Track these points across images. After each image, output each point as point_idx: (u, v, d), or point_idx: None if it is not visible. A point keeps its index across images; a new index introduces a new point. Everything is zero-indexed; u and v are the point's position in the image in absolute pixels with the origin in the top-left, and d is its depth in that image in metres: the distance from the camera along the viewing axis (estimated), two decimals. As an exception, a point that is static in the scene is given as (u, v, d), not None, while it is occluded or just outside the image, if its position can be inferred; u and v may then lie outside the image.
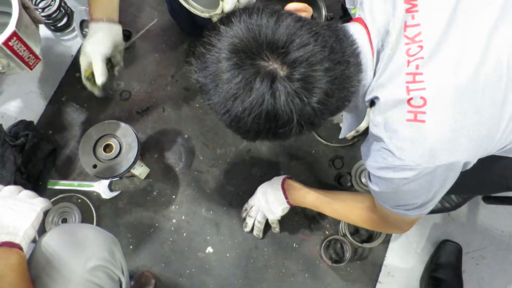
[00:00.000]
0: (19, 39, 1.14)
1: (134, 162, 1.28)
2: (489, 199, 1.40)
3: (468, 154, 0.78)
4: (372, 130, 0.84)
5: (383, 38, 0.80)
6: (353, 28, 0.83)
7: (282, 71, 0.70)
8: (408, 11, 0.78)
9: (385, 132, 0.80)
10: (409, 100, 0.76)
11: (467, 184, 0.88)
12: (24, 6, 1.20)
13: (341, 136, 1.09)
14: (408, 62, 0.77)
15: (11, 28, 1.10)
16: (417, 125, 0.75)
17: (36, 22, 1.27)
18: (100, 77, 1.20)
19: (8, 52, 1.13)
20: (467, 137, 0.75)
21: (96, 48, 1.19)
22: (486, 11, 0.77)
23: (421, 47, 0.76)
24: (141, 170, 1.39)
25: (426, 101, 0.74)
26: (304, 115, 0.73)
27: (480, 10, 0.77)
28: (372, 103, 0.86)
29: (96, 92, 1.30)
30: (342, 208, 1.19)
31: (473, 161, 0.81)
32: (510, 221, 1.42)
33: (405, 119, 0.76)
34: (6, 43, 1.09)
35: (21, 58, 1.20)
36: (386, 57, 0.80)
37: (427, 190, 0.83)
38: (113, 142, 1.29)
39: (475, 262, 1.38)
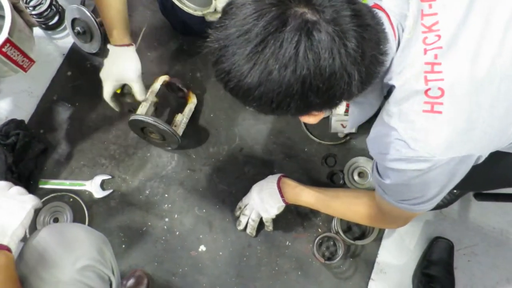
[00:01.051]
0: (13, 45, 1.14)
1: None
2: (480, 196, 1.41)
3: (482, 147, 0.78)
4: (386, 120, 0.82)
5: (401, 22, 0.78)
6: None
7: (312, 14, 0.65)
8: (423, 0, 0.78)
9: (399, 123, 0.78)
10: (426, 91, 0.75)
11: (472, 179, 0.87)
12: (18, 10, 1.19)
13: (346, 130, 1.07)
14: (425, 50, 0.76)
15: (3, 35, 1.10)
16: (434, 116, 0.74)
17: (30, 25, 1.27)
18: (143, 95, 1.30)
19: (2, 58, 1.13)
20: (482, 130, 0.75)
21: (131, 66, 1.25)
22: (504, 2, 0.76)
23: (439, 36, 0.75)
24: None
25: (444, 92, 0.74)
26: (345, 60, 0.66)
27: (498, 1, 0.76)
28: (388, 92, 0.84)
29: (117, 108, 1.37)
30: (338, 204, 1.19)
31: (485, 155, 0.80)
32: (501, 217, 1.43)
33: (421, 110, 0.75)
34: None
35: (15, 62, 1.20)
36: (404, 42, 0.78)
37: (438, 183, 0.82)
38: None
39: (467, 259, 1.39)
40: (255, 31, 0.64)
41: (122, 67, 1.24)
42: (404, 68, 0.78)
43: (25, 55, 1.21)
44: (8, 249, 0.77)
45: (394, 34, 0.78)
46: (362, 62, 0.69)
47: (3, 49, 1.11)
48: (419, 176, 0.80)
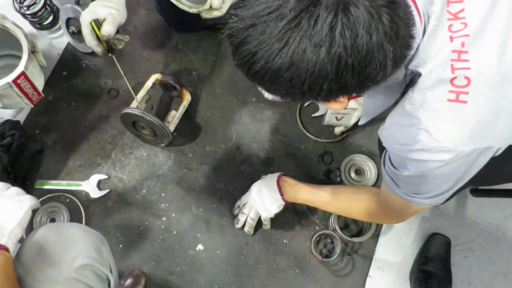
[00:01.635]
0: (26, 78, 1.29)
1: None
2: (476, 192, 1.41)
3: (502, 139, 0.77)
4: (408, 108, 0.80)
5: (427, 8, 0.76)
6: None
7: None
8: None
9: (422, 112, 0.77)
10: (452, 80, 0.73)
11: (481, 174, 0.85)
12: (33, 51, 1.36)
13: (360, 123, 1.05)
14: (452, 38, 0.74)
15: (20, 68, 1.27)
16: (458, 105, 0.73)
17: (42, 65, 1.43)
18: (109, 30, 1.12)
19: (16, 89, 1.28)
20: (505, 122, 0.74)
21: (108, 3, 1.13)
22: None
23: (465, 24, 0.74)
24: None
25: (470, 81, 0.72)
26: (381, 37, 0.63)
27: None
28: (411, 80, 0.83)
29: (100, 50, 1.21)
30: (339, 201, 1.19)
31: (504, 147, 0.79)
32: (497, 213, 1.43)
33: (446, 99, 0.74)
34: (15, 80, 1.26)
35: (26, 95, 1.33)
36: (431, 29, 0.76)
37: (456, 175, 0.81)
38: None
39: (463, 255, 1.39)
40: (289, 7, 0.60)
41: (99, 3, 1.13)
42: (430, 55, 0.76)
43: (35, 89, 1.35)
44: (6, 249, 0.77)
45: (420, 20, 0.75)
46: (397, 40, 0.66)
47: (18, 81, 1.27)
48: (440, 168, 0.78)
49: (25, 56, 1.28)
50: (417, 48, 0.77)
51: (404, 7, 0.69)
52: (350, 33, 0.61)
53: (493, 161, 0.82)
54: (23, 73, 1.27)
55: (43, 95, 1.39)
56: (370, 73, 0.66)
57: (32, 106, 1.40)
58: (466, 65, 0.73)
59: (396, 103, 0.89)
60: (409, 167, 0.83)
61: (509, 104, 0.74)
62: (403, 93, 0.87)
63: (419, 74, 0.78)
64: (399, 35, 0.66)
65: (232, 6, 0.69)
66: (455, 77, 0.73)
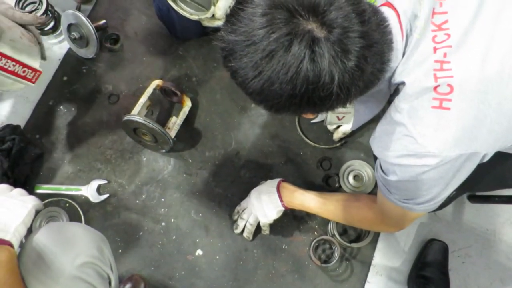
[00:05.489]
0: (5, 56, 1.14)
1: None
2: (474, 198, 1.42)
3: (488, 146, 0.79)
4: (394, 116, 0.83)
5: (411, 22, 0.80)
6: (382, 9, 0.82)
7: (320, 32, 0.67)
8: None
9: (408, 119, 0.80)
10: (435, 88, 0.76)
11: (471, 180, 0.88)
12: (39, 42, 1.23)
13: (352, 128, 1.07)
14: (435, 49, 0.77)
15: None
16: (442, 112, 0.76)
17: (42, 58, 1.29)
18: None
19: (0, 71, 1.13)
20: (489, 128, 0.76)
21: None
22: None
23: (448, 35, 0.77)
24: None
25: (453, 88, 0.75)
26: (343, 78, 0.69)
27: (508, 0, 0.77)
28: (396, 89, 0.85)
29: None
30: (338, 208, 1.20)
31: (491, 153, 0.81)
32: (494, 219, 1.44)
33: (430, 106, 0.77)
34: None
35: (16, 74, 1.19)
36: (414, 42, 0.79)
37: (444, 180, 0.83)
38: None
39: (461, 260, 1.40)
40: (264, 44, 0.67)
41: None
42: (414, 66, 0.79)
43: (26, 65, 1.20)
44: (11, 245, 0.78)
45: (402, 35, 0.79)
46: (361, 77, 0.71)
47: None
48: (427, 172, 0.81)
49: None
50: (402, 59, 0.81)
51: (380, 39, 0.74)
52: (314, 74, 0.67)
53: (483, 166, 0.84)
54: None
55: (41, 70, 1.28)
56: (333, 104, 0.73)
57: (33, 84, 1.28)
58: (448, 73, 0.76)
59: (384, 110, 0.91)
60: (397, 173, 0.86)
61: (493, 111, 0.76)
62: (389, 101, 0.90)
63: (403, 83, 0.81)
64: (365, 73, 0.71)
65: (208, 29, 0.74)
66: (438, 85, 0.76)
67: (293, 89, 0.68)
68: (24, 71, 1.21)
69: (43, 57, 1.34)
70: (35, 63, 1.26)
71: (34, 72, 1.25)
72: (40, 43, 1.31)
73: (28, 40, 1.24)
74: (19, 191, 0.86)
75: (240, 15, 0.70)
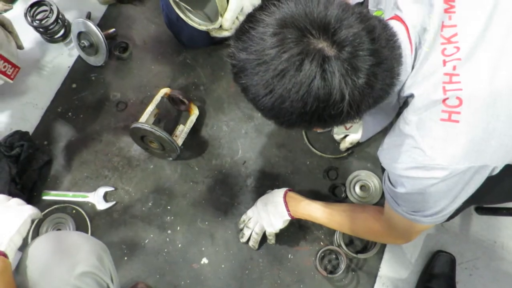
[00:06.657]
0: None
1: None
2: (481, 210, 1.41)
3: (497, 158, 0.79)
4: (403, 129, 0.83)
5: (420, 35, 0.81)
6: (392, 23, 0.82)
7: (331, 50, 0.67)
8: (446, 11, 0.79)
9: (417, 131, 0.80)
10: (444, 100, 0.76)
11: (480, 192, 0.87)
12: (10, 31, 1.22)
13: (361, 140, 1.07)
14: (444, 62, 0.77)
15: None
16: (451, 125, 0.76)
17: (18, 46, 1.28)
18: None
19: None
20: (498, 141, 0.76)
21: None
22: None
23: (458, 48, 0.77)
24: None
25: (462, 101, 0.75)
26: (353, 96, 0.69)
27: None
28: (405, 102, 0.85)
29: None
30: (345, 219, 1.19)
31: (500, 166, 0.81)
32: (502, 231, 1.43)
33: (439, 119, 0.77)
34: None
35: None
36: (423, 55, 0.80)
37: (452, 193, 0.83)
38: None
39: (468, 273, 1.39)
40: (275, 63, 0.68)
41: None
42: (423, 79, 0.80)
43: (5, 59, 1.19)
44: (5, 255, 0.78)
45: (411, 48, 0.80)
46: (371, 94, 0.72)
47: None
48: (435, 185, 0.80)
49: None
50: (411, 72, 0.81)
51: (389, 55, 0.74)
52: (324, 93, 0.68)
53: (491, 179, 0.84)
54: None
55: (19, 66, 1.25)
56: (343, 120, 0.74)
57: (11, 81, 1.25)
58: (457, 86, 0.76)
59: (392, 123, 0.91)
60: (405, 185, 0.86)
61: (502, 124, 0.76)
62: (398, 114, 0.90)
63: (412, 96, 0.82)
64: (375, 89, 0.72)
65: (232, 37, 0.75)
66: (447, 98, 0.76)
67: (304, 107, 0.69)
68: (4, 66, 1.20)
69: (19, 46, 1.32)
70: (12, 58, 1.24)
71: (13, 68, 1.24)
72: (12, 32, 1.30)
73: (5, 35, 1.23)
74: (16, 200, 0.87)
75: (251, 34, 0.70)
